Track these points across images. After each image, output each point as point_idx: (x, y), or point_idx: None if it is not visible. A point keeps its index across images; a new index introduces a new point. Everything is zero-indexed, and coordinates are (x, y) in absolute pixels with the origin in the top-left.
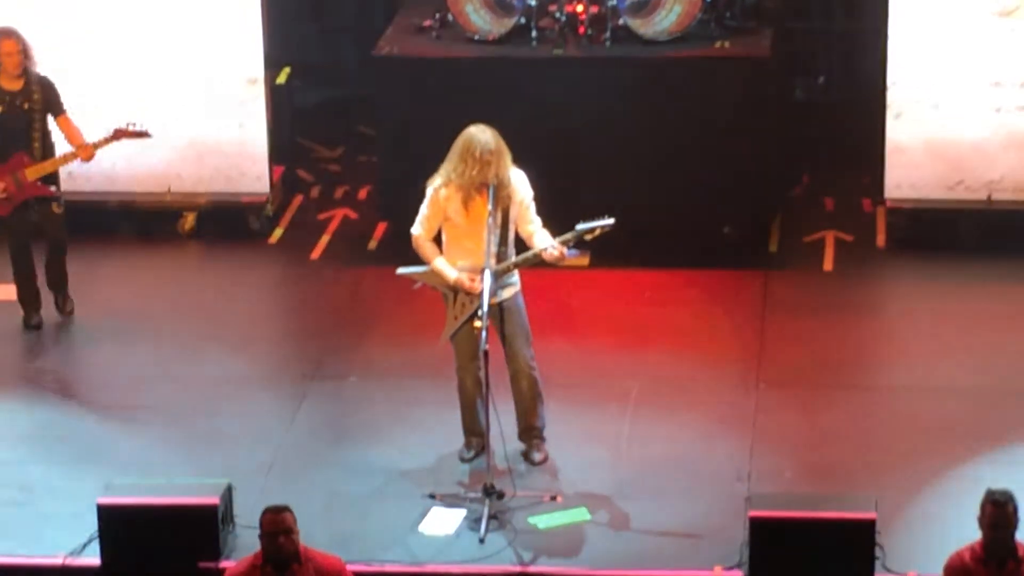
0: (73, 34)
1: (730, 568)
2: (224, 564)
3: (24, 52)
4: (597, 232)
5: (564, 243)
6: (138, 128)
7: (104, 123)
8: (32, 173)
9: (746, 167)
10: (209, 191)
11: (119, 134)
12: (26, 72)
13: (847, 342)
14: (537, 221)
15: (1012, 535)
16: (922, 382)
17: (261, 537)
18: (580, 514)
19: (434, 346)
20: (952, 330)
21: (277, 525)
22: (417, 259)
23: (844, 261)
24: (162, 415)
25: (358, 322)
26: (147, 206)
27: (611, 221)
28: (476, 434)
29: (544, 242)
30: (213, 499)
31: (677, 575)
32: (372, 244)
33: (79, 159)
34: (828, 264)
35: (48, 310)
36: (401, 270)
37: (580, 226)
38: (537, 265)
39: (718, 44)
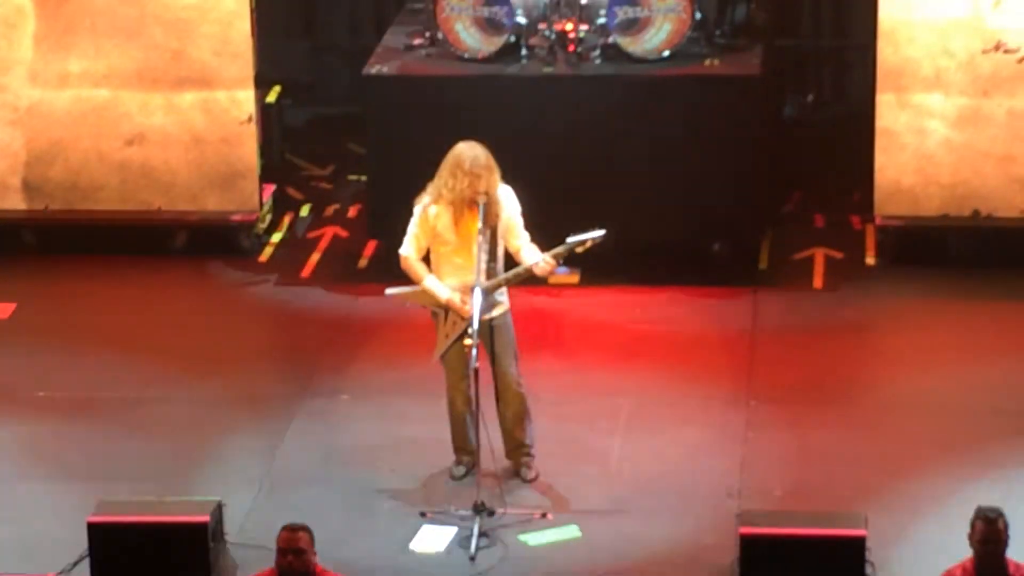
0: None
1: None
2: None
3: None
4: (588, 244)
5: (555, 256)
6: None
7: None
8: None
9: (736, 184)
10: (199, 209)
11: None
12: None
13: (837, 359)
14: (525, 236)
15: (1002, 552)
16: (912, 399)
17: (276, 552)
18: (570, 532)
19: (424, 364)
20: (942, 347)
21: (289, 543)
22: (406, 279)
23: (834, 278)
24: (152, 433)
25: (348, 340)
26: (137, 224)
27: (602, 232)
28: (466, 452)
29: (533, 256)
30: (203, 517)
31: None
32: (362, 262)
33: None
34: (818, 281)
35: (35, 329)
36: (390, 291)
37: (571, 239)
38: (527, 280)
39: (708, 62)
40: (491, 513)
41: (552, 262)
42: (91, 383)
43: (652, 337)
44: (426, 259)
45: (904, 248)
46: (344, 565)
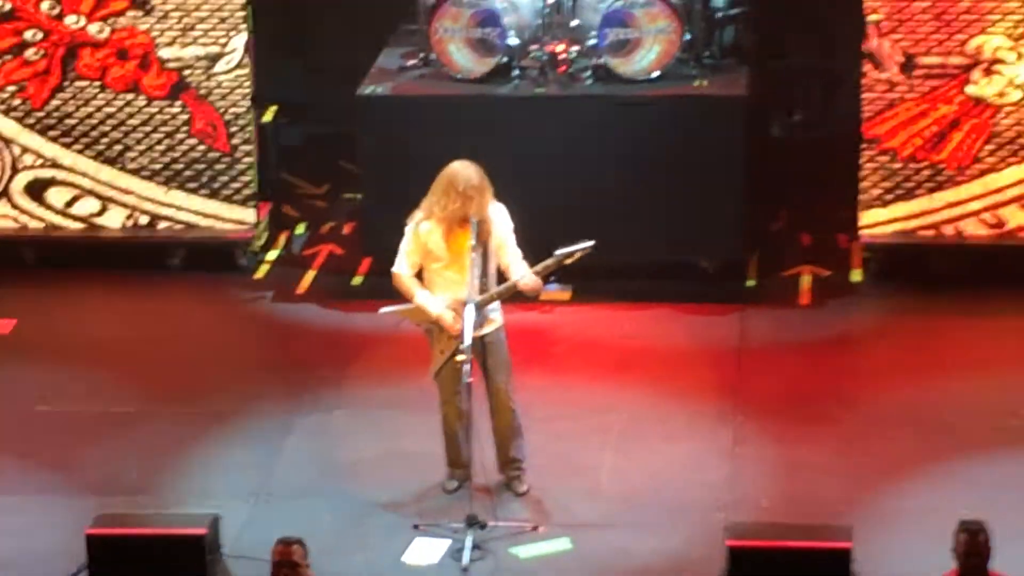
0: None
1: None
2: None
3: None
4: (576, 256)
5: (544, 270)
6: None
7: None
8: None
9: (724, 203)
10: (196, 226)
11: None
12: None
13: (823, 375)
14: (517, 254)
15: (985, 564)
16: (897, 414)
17: (271, 565)
18: (561, 544)
19: (418, 380)
20: (926, 363)
21: (284, 556)
22: (400, 296)
23: (820, 295)
24: (150, 447)
25: (343, 356)
26: (134, 241)
27: (590, 244)
28: (459, 466)
29: (520, 272)
30: (201, 530)
31: None
32: (357, 279)
33: None
34: (805, 299)
35: (35, 344)
36: (384, 309)
37: (559, 252)
38: (520, 297)
39: (696, 83)
40: (483, 526)
41: (538, 280)
42: (90, 397)
43: (642, 353)
44: (419, 276)
45: (889, 266)
46: None
